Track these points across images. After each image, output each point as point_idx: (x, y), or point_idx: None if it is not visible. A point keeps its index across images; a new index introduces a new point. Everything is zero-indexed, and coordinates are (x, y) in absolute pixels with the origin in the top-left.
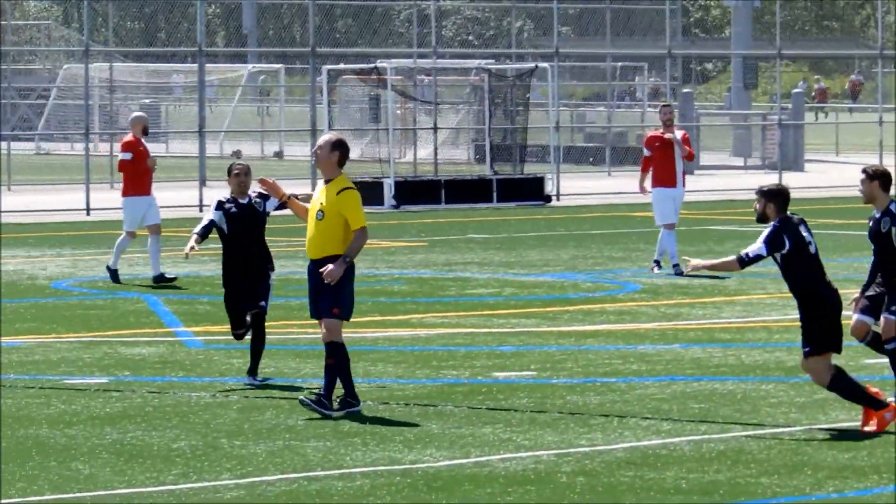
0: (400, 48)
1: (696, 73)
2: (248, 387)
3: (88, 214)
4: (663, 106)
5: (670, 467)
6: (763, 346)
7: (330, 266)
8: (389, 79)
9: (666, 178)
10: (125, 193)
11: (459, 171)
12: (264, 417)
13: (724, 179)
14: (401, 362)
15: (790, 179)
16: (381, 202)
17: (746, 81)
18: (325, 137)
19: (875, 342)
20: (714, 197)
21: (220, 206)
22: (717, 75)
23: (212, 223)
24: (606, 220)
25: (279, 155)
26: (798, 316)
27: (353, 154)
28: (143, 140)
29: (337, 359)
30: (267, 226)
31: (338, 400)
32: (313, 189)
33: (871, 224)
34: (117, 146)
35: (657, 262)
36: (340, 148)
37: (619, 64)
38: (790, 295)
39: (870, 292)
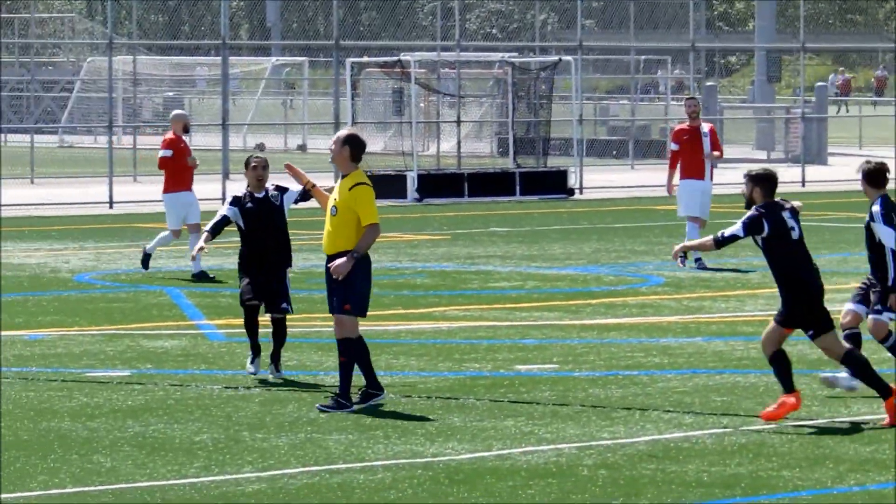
0: (424, 41)
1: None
2: (274, 377)
3: (111, 207)
4: (688, 99)
5: (692, 460)
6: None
7: (338, 261)
8: (413, 72)
9: (694, 170)
10: (166, 190)
11: (482, 164)
12: (286, 410)
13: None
14: (423, 355)
15: (813, 173)
16: (404, 195)
17: (770, 75)
18: (338, 133)
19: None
20: (737, 190)
21: (235, 201)
22: (741, 68)
23: (225, 219)
24: (629, 213)
25: (302, 148)
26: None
27: (377, 147)
28: (183, 137)
29: (349, 356)
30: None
31: (360, 392)
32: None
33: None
34: (142, 139)
35: (683, 256)
36: (351, 143)
37: (643, 57)
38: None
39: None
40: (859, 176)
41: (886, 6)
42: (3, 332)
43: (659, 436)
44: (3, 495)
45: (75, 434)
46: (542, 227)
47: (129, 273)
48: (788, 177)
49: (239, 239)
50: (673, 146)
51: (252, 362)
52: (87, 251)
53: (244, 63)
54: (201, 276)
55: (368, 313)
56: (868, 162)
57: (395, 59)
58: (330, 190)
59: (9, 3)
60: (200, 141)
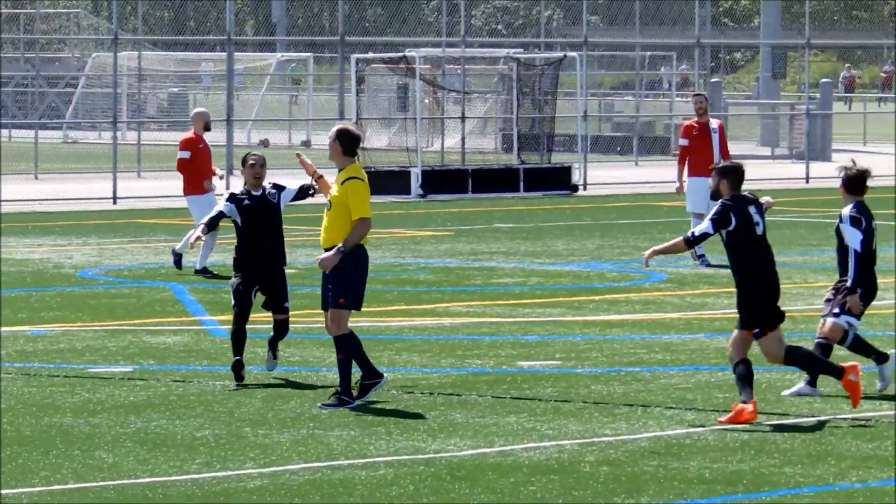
0: (429, 37)
1: (724, 63)
2: (268, 366)
3: (115, 203)
4: (695, 95)
5: (694, 457)
6: (787, 335)
7: (324, 254)
8: (418, 68)
9: (702, 167)
10: (187, 192)
11: (486, 160)
12: (288, 406)
13: (751, 169)
14: (426, 351)
15: (817, 169)
16: (408, 191)
17: (775, 71)
18: (333, 129)
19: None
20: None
21: (232, 198)
22: (746, 65)
23: (220, 214)
24: (633, 209)
25: (307, 144)
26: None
27: (381, 143)
28: (204, 136)
29: (346, 352)
30: (289, 215)
31: (356, 386)
32: None
33: None
34: (146, 135)
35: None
36: (341, 137)
37: (648, 53)
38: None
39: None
40: (839, 178)
41: (891, 3)
42: (6, 328)
43: (661, 432)
44: (5, 491)
45: (77, 430)
46: (545, 224)
47: (131, 269)
48: (793, 173)
49: (235, 237)
50: (682, 141)
51: (236, 377)
52: (90, 247)
53: (249, 59)
54: (204, 272)
55: (371, 309)
56: (849, 168)
57: (399, 55)
58: None
59: None
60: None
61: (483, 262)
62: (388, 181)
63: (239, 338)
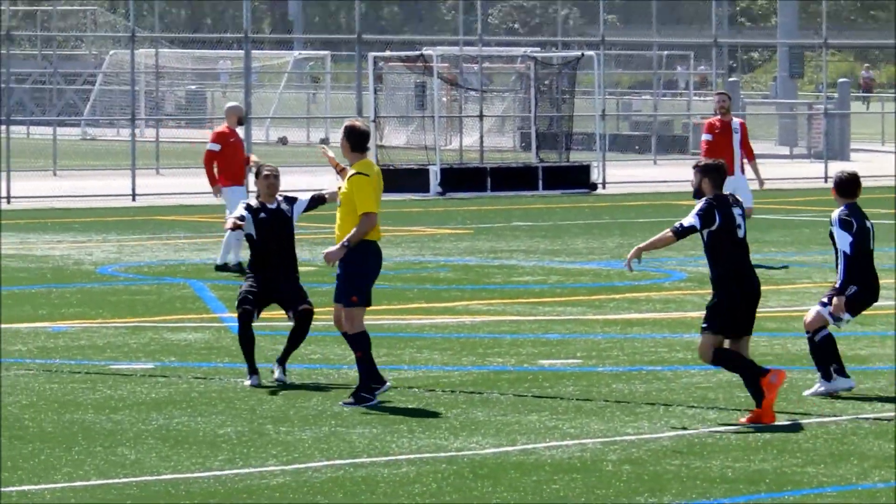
0: (446, 35)
1: (742, 62)
2: (276, 377)
3: (134, 200)
4: (719, 94)
5: (716, 456)
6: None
7: (329, 249)
8: (435, 66)
9: None
10: (223, 184)
11: (505, 158)
12: (310, 403)
13: (769, 169)
14: (446, 349)
15: (836, 168)
16: (426, 189)
17: (792, 70)
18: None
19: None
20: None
21: (249, 209)
22: (763, 64)
23: (242, 218)
24: (652, 208)
25: (325, 142)
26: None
27: (399, 141)
28: (237, 130)
29: (364, 349)
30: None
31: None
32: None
33: None
34: (164, 132)
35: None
36: (347, 134)
37: (665, 53)
38: (837, 284)
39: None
40: (832, 183)
41: None
42: (27, 325)
43: (683, 431)
44: (27, 487)
45: (99, 426)
46: (564, 222)
47: (151, 265)
48: (811, 173)
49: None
50: (706, 136)
51: (250, 378)
52: (110, 243)
53: (266, 56)
54: (223, 268)
55: (392, 306)
56: (842, 171)
57: (417, 53)
58: None
59: None
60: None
61: (503, 261)
62: (406, 179)
63: (246, 343)
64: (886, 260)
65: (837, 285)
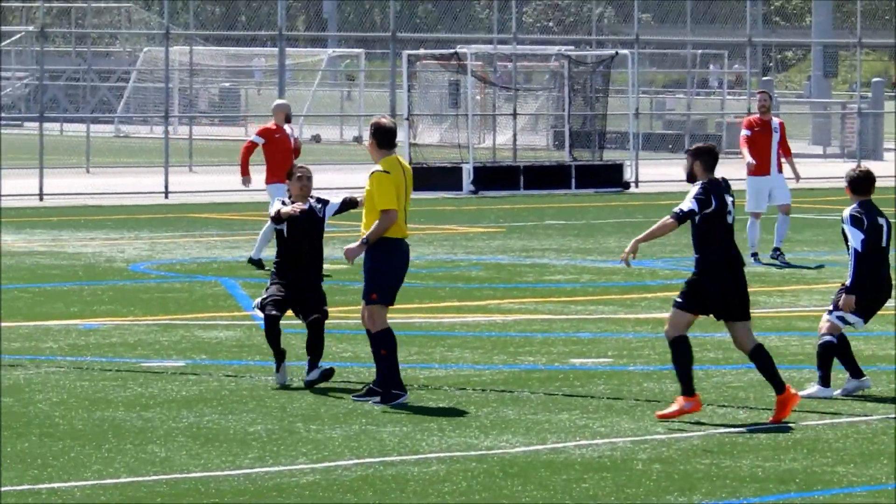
0: (480, 34)
1: (776, 62)
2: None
3: (167, 197)
4: (761, 92)
5: (746, 455)
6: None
7: (349, 245)
8: (469, 64)
9: (761, 165)
10: (268, 181)
11: (538, 157)
12: (341, 402)
13: (803, 168)
14: (478, 348)
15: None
16: (459, 187)
17: (826, 70)
18: None
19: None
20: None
21: (284, 205)
22: (797, 64)
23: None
24: None
25: (358, 140)
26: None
27: (433, 139)
28: (285, 128)
29: (389, 347)
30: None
31: (365, 387)
32: None
33: None
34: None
35: (754, 255)
36: (373, 130)
37: (700, 52)
38: (847, 282)
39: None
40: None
41: None
42: (58, 322)
43: (713, 430)
44: (57, 484)
45: (130, 424)
46: (597, 221)
47: (183, 263)
48: (844, 172)
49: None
50: (745, 132)
51: (278, 370)
52: (142, 241)
53: (300, 54)
54: (258, 264)
55: (423, 305)
56: (855, 168)
57: (451, 51)
58: None
59: None
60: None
61: (535, 259)
62: (439, 177)
63: (273, 339)
64: None
65: (848, 283)
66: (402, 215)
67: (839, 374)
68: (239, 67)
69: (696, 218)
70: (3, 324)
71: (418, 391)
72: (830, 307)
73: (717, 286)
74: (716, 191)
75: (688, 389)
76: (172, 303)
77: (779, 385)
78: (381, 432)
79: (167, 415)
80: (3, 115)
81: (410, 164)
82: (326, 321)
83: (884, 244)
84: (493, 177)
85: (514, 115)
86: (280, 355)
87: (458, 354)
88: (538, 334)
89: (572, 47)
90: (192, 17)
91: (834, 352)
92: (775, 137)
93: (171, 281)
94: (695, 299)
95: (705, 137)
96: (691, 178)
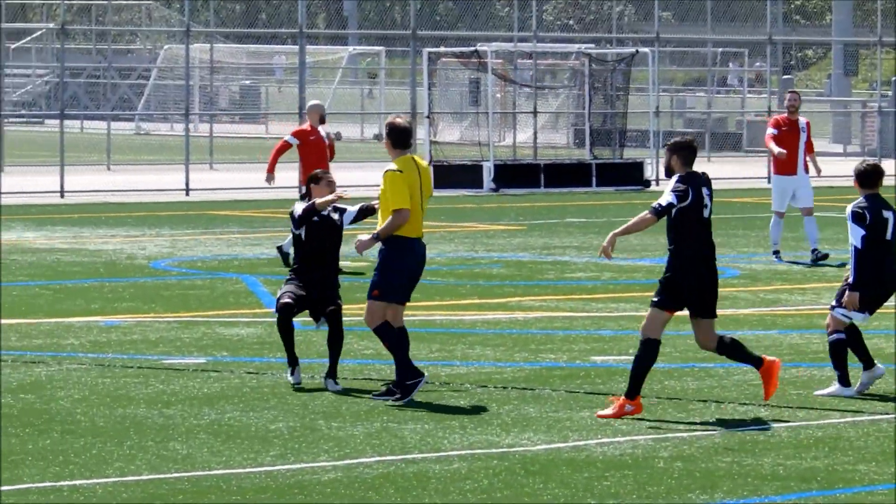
0: (500, 32)
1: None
2: (332, 390)
3: (188, 195)
4: (791, 92)
5: (768, 453)
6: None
7: (361, 237)
8: (490, 62)
9: (788, 165)
10: (303, 182)
11: (559, 154)
12: (362, 399)
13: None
14: (499, 345)
15: (890, 166)
16: (480, 185)
17: (847, 68)
18: None
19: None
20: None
21: (310, 208)
22: (818, 62)
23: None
24: None
25: (378, 137)
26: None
27: (453, 137)
28: (319, 129)
29: (390, 341)
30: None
31: (385, 386)
32: None
33: None
34: (218, 127)
35: (776, 253)
36: (389, 132)
37: (720, 50)
38: (850, 279)
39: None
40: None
41: None
42: (79, 319)
43: (735, 429)
44: (79, 482)
45: (151, 421)
46: (618, 218)
47: (205, 260)
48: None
49: (294, 248)
50: (771, 130)
51: (292, 373)
52: (163, 238)
53: (321, 52)
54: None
55: (444, 302)
56: (862, 162)
57: (471, 49)
58: None
59: None
60: (276, 129)
61: (556, 257)
62: (460, 175)
63: (286, 332)
64: None
65: (850, 280)
66: (418, 214)
67: (856, 371)
68: (259, 65)
69: (673, 211)
70: (24, 320)
71: (440, 389)
72: (834, 302)
73: (692, 280)
74: (693, 184)
75: (634, 392)
76: (194, 300)
77: (755, 360)
78: (402, 430)
79: (189, 412)
80: (24, 112)
81: (431, 162)
82: (344, 317)
83: (888, 237)
84: (514, 174)
85: (535, 112)
86: (293, 359)
87: (480, 352)
88: (559, 332)
89: (593, 45)
90: (213, 14)
91: (845, 346)
92: (802, 137)
93: (193, 278)
94: (670, 296)
95: (725, 136)
96: (669, 173)
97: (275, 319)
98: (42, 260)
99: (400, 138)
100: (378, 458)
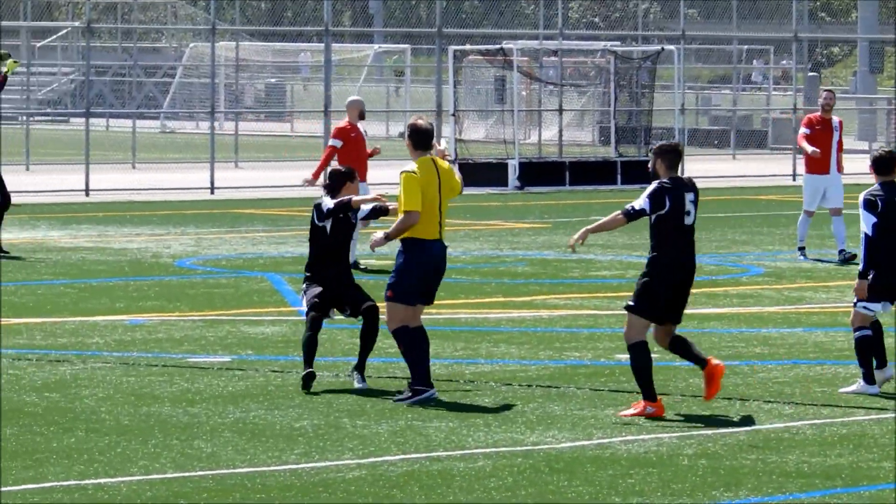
0: (526, 29)
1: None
2: (358, 385)
3: (213, 193)
4: (826, 90)
5: (792, 451)
6: (886, 330)
7: (375, 234)
8: (515, 60)
9: (820, 164)
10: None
11: (584, 152)
12: (387, 397)
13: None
14: (524, 343)
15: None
16: (505, 183)
17: (872, 66)
18: None
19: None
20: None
21: (340, 204)
22: (843, 59)
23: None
24: (730, 203)
25: (404, 136)
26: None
27: (478, 135)
28: (358, 125)
29: (405, 343)
30: None
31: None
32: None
33: None
34: (243, 125)
35: (801, 249)
36: (409, 132)
37: (745, 47)
38: (860, 268)
39: None
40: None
41: None
42: (104, 317)
43: (759, 426)
44: (104, 480)
45: (176, 419)
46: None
47: (229, 259)
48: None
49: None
50: (804, 130)
51: (307, 386)
52: (188, 236)
53: (346, 50)
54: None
55: (469, 300)
56: (879, 149)
57: (497, 47)
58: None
59: None
60: (301, 128)
61: (580, 255)
62: (485, 173)
63: (311, 346)
64: None
65: (860, 268)
66: (435, 216)
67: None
68: (285, 63)
69: (651, 218)
70: (49, 319)
71: (464, 387)
72: (856, 298)
73: (668, 291)
74: (673, 191)
75: (649, 395)
76: (218, 298)
77: (700, 361)
78: (427, 428)
79: (213, 410)
80: (49, 110)
81: (456, 159)
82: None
83: None
84: (539, 172)
85: (560, 110)
86: (311, 373)
87: (504, 350)
88: (584, 330)
89: (618, 43)
90: (239, 12)
91: (871, 343)
92: (835, 136)
93: (217, 276)
94: (646, 303)
95: (750, 133)
96: (655, 177)
97: (299, 319)
98: (67, 258)
99: (421, 140)
100: (402, 456)
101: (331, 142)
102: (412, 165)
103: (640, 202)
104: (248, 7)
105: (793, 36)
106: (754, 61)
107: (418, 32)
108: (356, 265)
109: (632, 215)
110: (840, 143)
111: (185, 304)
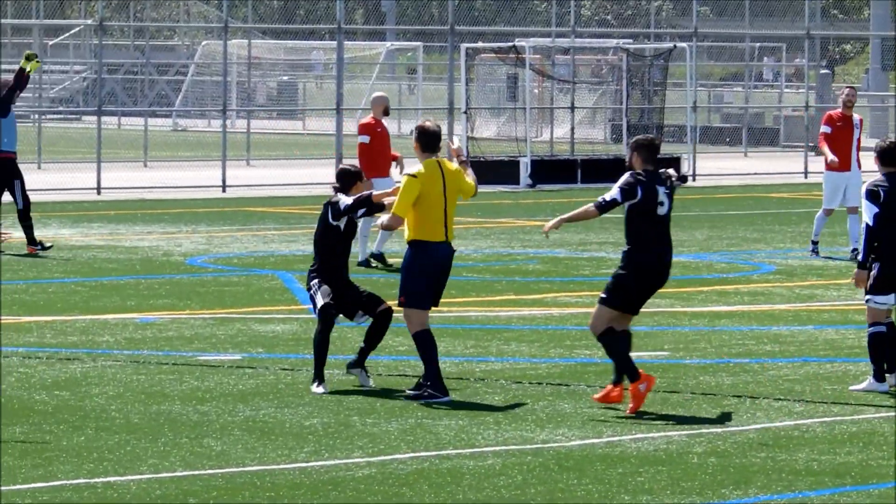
0: (538, 27)
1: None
2: (364, 384)
3: (224, 191)
4: (848, 87)
5: (802, 449)
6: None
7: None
8: (528, 57)
9: (841, 161)
10: (369, 176)
11: (596, 150)
12: (396, 395)
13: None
14: (534, 341)
15: None
16: (517, 181)
17: (884, 63)
18: None
19: None
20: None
21: (361, 201)
22: (856, 56)
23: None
24: (742, 200)
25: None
26: None
27: (490, 133)
28: (383, 121)
29: (424, 350)
30: None
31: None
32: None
33: None
34: (255, 123)
35: (814, 244)
36: (416, 134)
37: (758, 45)
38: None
39: None
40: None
41: None
42: (115, 315)
43: (769, 424)
44: (114, 478)
45: (186, 417)
46: None
47: (241, 257)
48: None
49: (324, 244)
50: (825, 129)
51: (319, 385)
52: (199, 235)
53: (359, 48)
54: (379, 258)
55: (480, 298)
56: (885, 139)
57: (509, 44)
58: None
59: None
60: (314, 125)
61: (592, 253)
62: (497, 171)
63: (323, 349)
64: None
65: (860, 259)
66: (440, 219)
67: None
68: (297, 61)
69: (625, 208)
70: (59, 317)
71: (474, 384)
72: (867, 295)
73: (643, 283)
74: (646, 183)
75: (633, 373)
76: (229, 296)
77: (632, 372)
78: (436, 426)
79: (223, 408)
80: (61, 108)
81: (468, 157)
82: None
83: None
84: (551, 170)
85: (572, 108)
86: (321, 373)
87: (515, 348)
88: None
89: (630, 40)
90: (251, 10)
91: (884, 340)
92: (856, 133)
93: (228, 275)
94: (620, 297)
95: (762, 131)
96: (631, 169)
97: (310, 317)
98: (78, 257)
99: (429, 142)
100: (412, 455)
101: (359, 139)
102: (418, 167)
103: (612, 193)
104: (261, 5)
105: (805, 33)
106: (766, 59)
107: (431, 30)
108: (368, 262)
109: (603, 207)
110: (859, 140)
111: (195, 302)
